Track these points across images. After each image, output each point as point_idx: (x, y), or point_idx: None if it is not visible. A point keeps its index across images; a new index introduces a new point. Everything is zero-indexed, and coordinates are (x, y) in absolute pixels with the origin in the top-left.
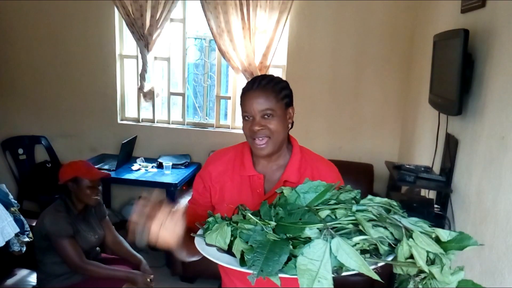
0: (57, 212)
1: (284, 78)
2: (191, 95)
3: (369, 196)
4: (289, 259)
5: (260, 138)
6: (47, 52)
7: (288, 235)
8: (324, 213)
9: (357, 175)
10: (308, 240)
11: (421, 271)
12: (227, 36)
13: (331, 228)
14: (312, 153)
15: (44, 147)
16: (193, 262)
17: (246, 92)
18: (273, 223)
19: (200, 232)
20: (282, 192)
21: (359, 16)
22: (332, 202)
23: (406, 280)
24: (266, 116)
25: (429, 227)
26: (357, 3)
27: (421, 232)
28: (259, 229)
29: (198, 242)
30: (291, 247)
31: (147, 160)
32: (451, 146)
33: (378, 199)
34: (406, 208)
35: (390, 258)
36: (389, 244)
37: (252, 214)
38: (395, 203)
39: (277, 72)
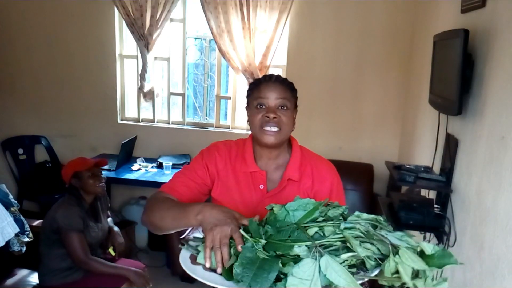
0: (70, 206)
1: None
2: (191, 95)
3: (356, 213)
4: (278, 277)
5: (272, 127)
6: (47, 52)
7: (277, 252)
8: (312, 231)
9: (357, 175)
10: (297, 257)
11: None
12: (227, 36)
13: (320, 246)
14: (311, 152)
15: (44, 147)
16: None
17: (264, 83)
18: (263, 241)
19: (184, 249)
20: (272, 208)
21: (359, 16)
22: (321, 219)
23: None
24: (281, 107)
25: (414, 241)
26: (357, 3)
27: (406, 247)
28: (249, 245)
29: (183, 260)
30: (280, 265)
31: (147, 160)
32: (451, 146)
33: (365, 215)
34: (406, 208)
35: (376, 271)
36: (376, 259)
37: (243, 230)
38: (381, 219)
39: (277, 72)
